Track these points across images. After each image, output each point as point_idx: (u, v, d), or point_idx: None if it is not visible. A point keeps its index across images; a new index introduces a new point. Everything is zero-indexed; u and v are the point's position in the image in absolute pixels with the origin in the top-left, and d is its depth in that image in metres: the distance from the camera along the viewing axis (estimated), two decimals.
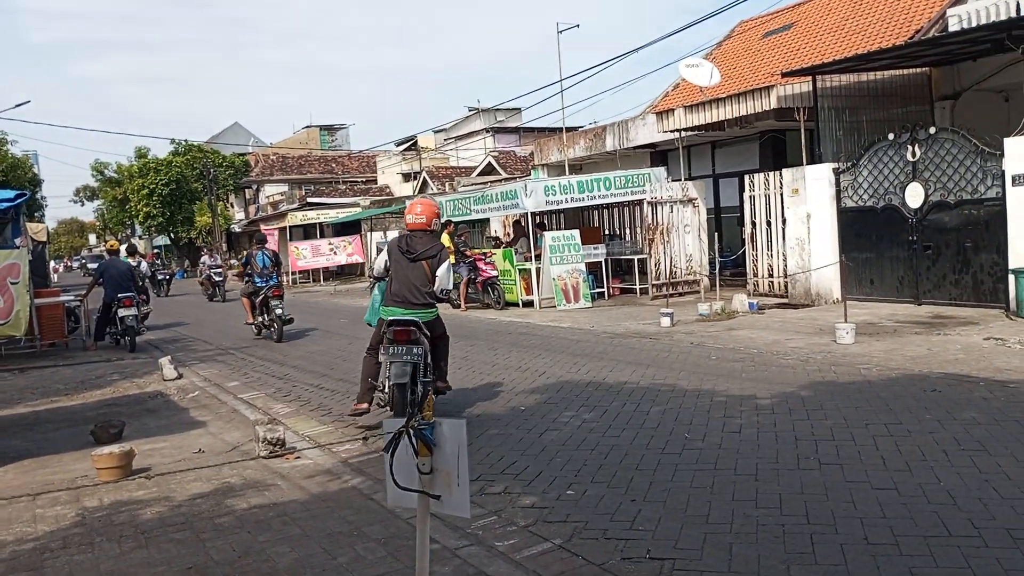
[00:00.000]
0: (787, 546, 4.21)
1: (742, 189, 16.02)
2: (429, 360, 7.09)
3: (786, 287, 14.55)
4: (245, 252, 17.28)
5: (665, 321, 12.52)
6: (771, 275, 15.14)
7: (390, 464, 3.14)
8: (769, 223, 15.00)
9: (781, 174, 14.61)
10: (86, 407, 9.56)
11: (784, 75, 14.71)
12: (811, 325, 11.52)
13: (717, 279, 15.37)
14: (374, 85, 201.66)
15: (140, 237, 65.86)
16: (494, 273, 17.55)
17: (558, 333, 12.94)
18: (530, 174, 25.93)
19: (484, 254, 18.18)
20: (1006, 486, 4.80)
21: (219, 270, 28.28)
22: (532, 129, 39.24)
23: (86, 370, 12.50)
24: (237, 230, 51.07)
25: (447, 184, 33.95)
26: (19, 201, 14.60)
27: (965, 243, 11.76)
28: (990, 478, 4.94)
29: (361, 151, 51.92)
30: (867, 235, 13.24)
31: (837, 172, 13.70)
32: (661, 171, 18.09)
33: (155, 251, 35.11)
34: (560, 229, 18.69)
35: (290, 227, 36.97)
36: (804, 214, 13.90)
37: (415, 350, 6.91)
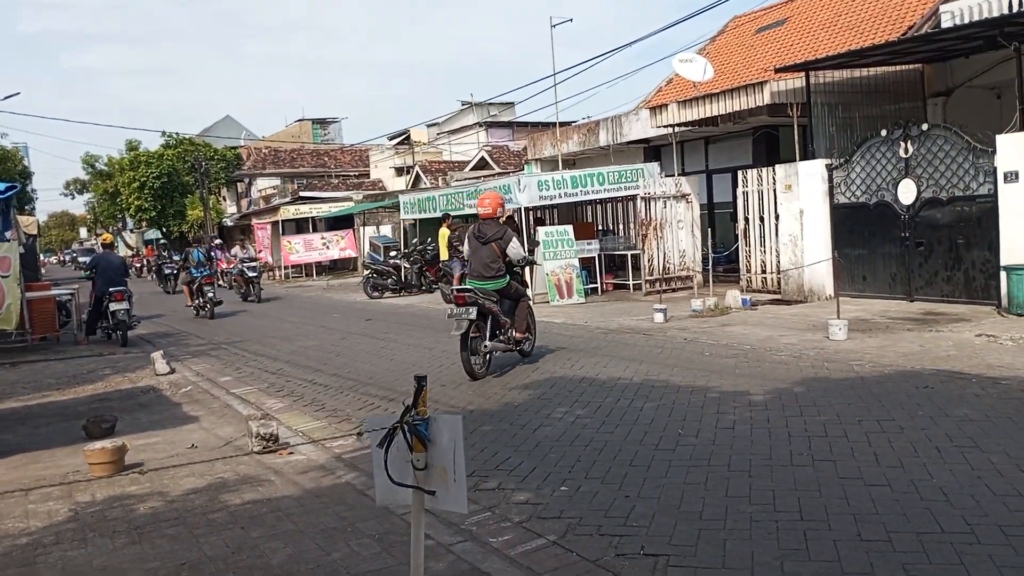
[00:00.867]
0: (781, 542, 4.23)
1: (735, 185, 16.04)
2: (501, 320, 9.21)
3: (779, 283, 14.58)
4: (185, 250, 25.32)
5: (658, 317, 12.53)
6: (764, 271, 15.17)
7: (384, 460, 3.13)
8: (762, 219, 15.03)
9: (774, 170, 14.63)
10: (78, 402, 9.53)
11: (777, 71, 14.72)
12: (804, 321, 11.55)
13: (710, 275, 15.39)
14: (367, 79, 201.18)
15: (131, 231, 65.58)
16: None
17: (551, 329, 12.94)
18: (523, 169, 25.92)
19: None
20: (998, 482, 4.82)
21: (254, 265, 23.48)
22: (525, 124, 39.21)
23: (78, 364, 12.45)
24: (229, 224, 50.87)
25: (440, 178, 33.89)
26: (9, 194, 14.44)
27: (957, 240, 11.80)
28: (982, 474, 4.97)
29: (354, 145, 51.72)
30: (860, 231, 13.28)
31: (830, 168, 13.72)
32: (654, 166, 18.10)
33: (161, 243, 32.91)
34: (553, 224, 18.68)
35: (282, 221, 36.84)
36: (797, 210, 13.93)
37: (470, 310, 8.89)
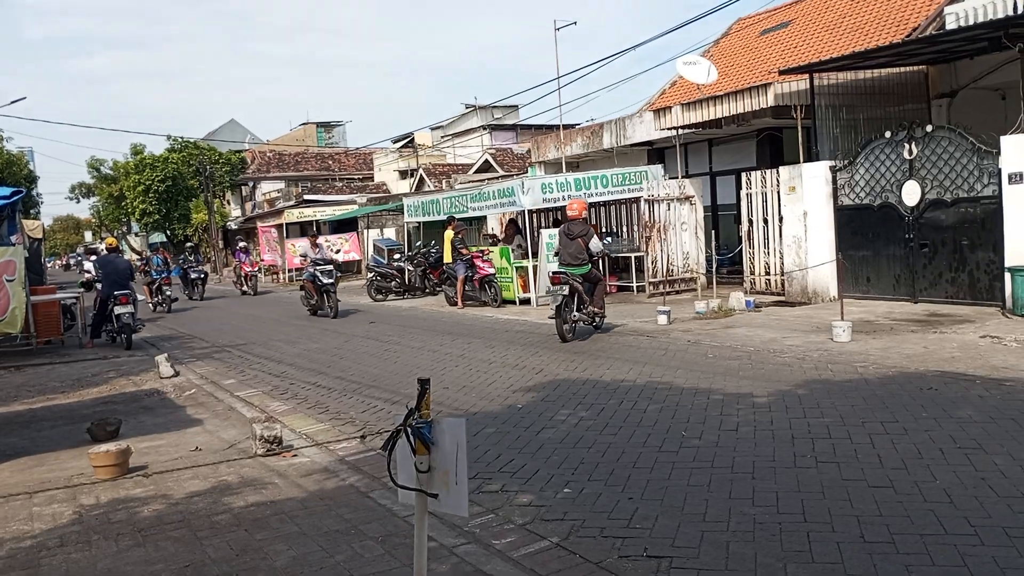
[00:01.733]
0: (784, 544, 4.22)
1: (739, 187, 16.02)
2: (584, 297, 11.61)
3: (783, 285, 14.56)
4: (145, 255, 25.01)
5: (662, 319, 12.52)
6: (768, 273, 15.16)
7: (388, 463, 3.14)
8: (766, 221, 15.01)
9: (778, 172, 14.62)
10: (82, 405, 9.55)
11: (781, 73, 14.71)
12: (808, 323, 11.53)
13: (714, 277, 15.37)
14: (371, 82, 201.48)
15: (136, 234, 65.71)
16: (491, 271, 17.55)
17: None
18: (527, 171, 25.92)
19: (481, 252, 18.17)
20: (1002, 484, 4.81)
21: (329, 269, 17.97)
22: (529, 126, 39.24)
23: (82, 368, 12.48)
24: (233, 227, 50.99)
25: (444, 181, 33.90)
26: (15, 198, 14.56)
27: (961, 241, 11.78)
28: (986, 476, 4.96)
29: (358, 148, 51.86)
30: (864, 233, 13.26)
31: (834, 170, 13.71)
32: (658, 169, 18.10)
33: (188, 245, 31.78)
34: (557, 227, 18.68)
35: (287, 224, 36.91)
36: (801, 212, 13.92)
37: (564, 288, 11.42)
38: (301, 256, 17.20)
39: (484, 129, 41.61)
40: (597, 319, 11.89)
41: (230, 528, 4.98)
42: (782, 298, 14.35)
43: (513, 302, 17.15)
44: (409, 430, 3.11)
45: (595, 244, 11.70)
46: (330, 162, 52.08)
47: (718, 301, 13.50)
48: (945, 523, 4.31)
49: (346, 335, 14.51)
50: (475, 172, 33.88)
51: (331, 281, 17.62)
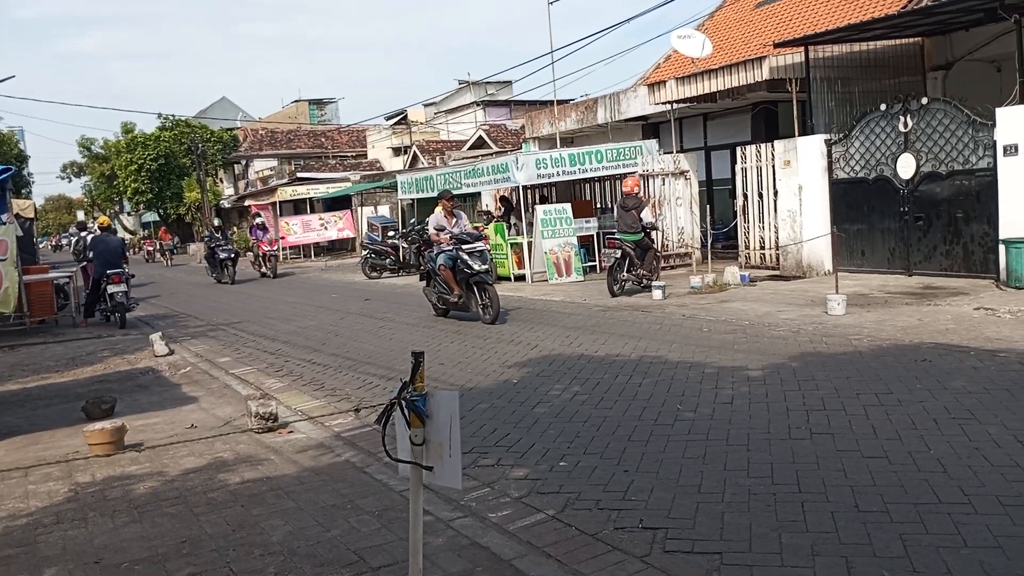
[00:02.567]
0: (778, 514, 4.24)
1: (734, 161, 15.97)
2: (635, 261, 13.12)
3: (778, 259, 14.56)
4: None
5: (657, 294, 12.53)
6: (763, 247, 15.14)
7: (382, 436, 3.13)
8: (761, 195, 14.97)
9: (773, 146, 14.57)
10: (77, 384, 9.53)
11: (776, 46, 14.61)
12: (802, 297, 11.54)
13: (709, 251, 15.35)
14: (364, 59, 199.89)
15: (128, 213, 65.40)
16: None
17: (550, 307, 12.94)
18: (521, 147, 25.81)
19: (476, 228, 18.11)
20: (996, 454, 4.83)
21: (480, 248, 11.62)
22: (523, 102, 38.96)
23: (76, 347, 12.45)
24: (227, 206, 50.75)
25: (438, 158, 33.75)
26: (4, 176, 14.42)
27: (956, 214, 11.77)
28: (980, 446, 4.98)
29: (351, 125, 51.49)
30: (859, 206, 13.24)
31: (829, 143, 13.66)
32: (653, 143, 18.02)
33: (215, 223, 27.13)
34: (552, 202, 18.63)
35: (280, 202, 36.74)
36: (796, 186, 13.89)
37: (616, 252, 13.15)
38: (436, 229, 11.73)
39: (477, 105, 41.34)
40: (644, 280, 13.21)
41: (226, 504, 4.98)
42: (777, 272, 14.36)
43: (508, 278, 17.13)
44: (403, 403, 3.10)
45: (646, 215, 13.32)
46: (323, 139, 51.76)
47: (713, 276, 13.51)
48: (939, 492, 4.34)
49: (340, 312, 14.49)
50: (469, 148, 33.71)
51: (484, 268, 11.48)
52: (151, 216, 55.27)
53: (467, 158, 28.66)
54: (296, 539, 4.36)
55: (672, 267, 16.53)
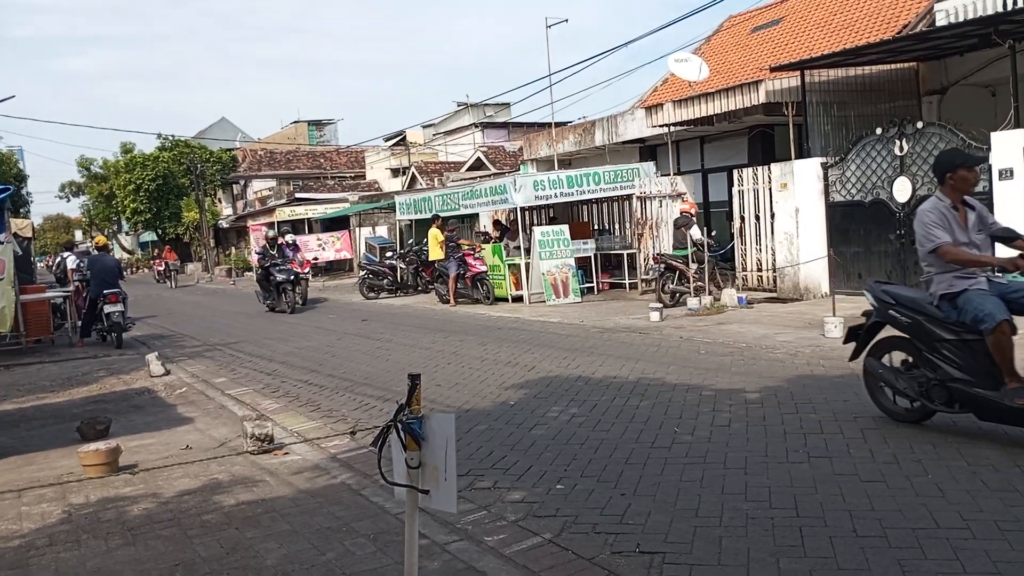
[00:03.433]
0: (776, 539, 4.22)
1: (731, 184, 16.03)
2: (684, 273, 14.07)
3: (775, 281, 14.58)
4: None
5: (654, 316, 12.53)
6: (760, 269, 15.17)
7: (378, 459, 3.12)
8: (758, 217, 15.02)
9: (769, 168, 14.63)
10: (72, 404, 9.49)
11: (772, 70, 14.72)
12: (800, 319, 11.55)
13: (706, 274, 15.37)
14: (362, 80, 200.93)
15: (127, 233, 65.42)
16: (483, 268, 17.53)
17: (547, 328, 12.94)
18: (519, 169, 25.90)
19: (473, 249, 18.16)
20: (993, 477, 4.82)
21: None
22: (521, 124, 39.17)
23: (72, 367, 12.41)
24: (225, 226, 50.83)
25: (436, 179, 33.85)
26: (3, 196, 14.44)
27: None
28: (978, 470, 4.96)
29: (349, 146, 51.72)
30: (855, 229, 13.28)
31: (825, 167, 13.73)
32: (650, 166, 18.10)
33: (278, 232, 23.87)
34: (549, 224, 18.68)
35: (278, 223, 36.81)
36: (792, 208, 13.93)
37: (660, 266, 14.34)
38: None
39: (476, 127, 41.54)
40: (708, 289, 14.06)
41: (220, 526, 4.95)
42: (774, 295, 14.37)
43: (506, 300, 17.13)
44: (399, 425, 3.09)
45: (694, 232, 14.38)
46: (322, 160, 51.95)
47: (710, 298, 13.51)
48: (937, 517, 4.32)
49: (338, 333, 14.47)
50: (467, 170, 33.83)
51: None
52: (149, 236, 55.26)
53: (465, 179, 28.75)
54: (291, 562, 4.33)
55: None
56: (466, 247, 18.02)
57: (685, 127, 17.56)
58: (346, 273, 34.16)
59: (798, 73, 14.33)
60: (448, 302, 17.71)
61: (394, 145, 45.07)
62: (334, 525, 4.84)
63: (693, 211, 15.18)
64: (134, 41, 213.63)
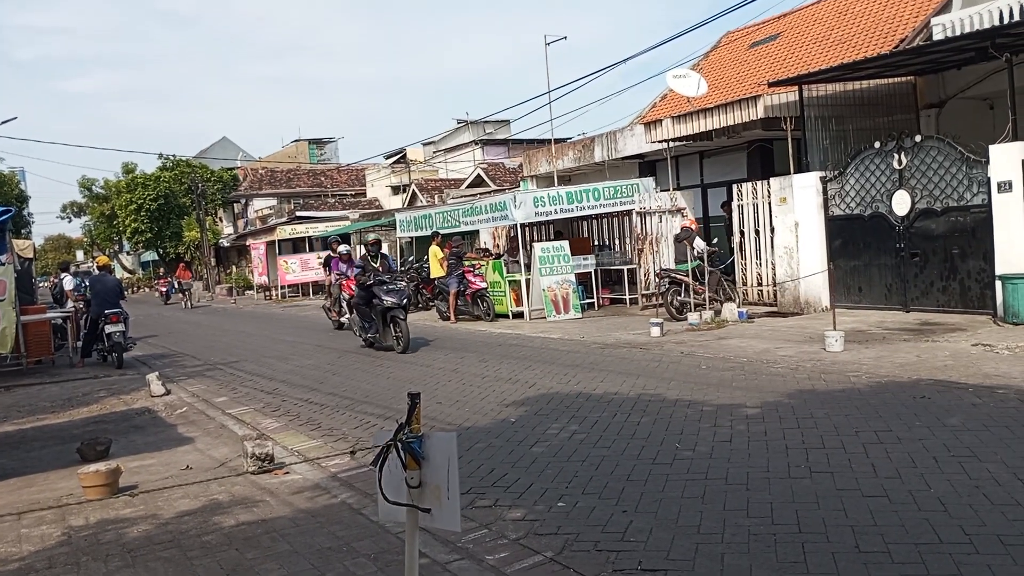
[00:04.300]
0: (779, 555, 4.20)
1: (730, 198, 16.07)
2: (689, 286, 14.17)
3: (775, 296, 14.59)
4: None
5: (655, 331, 12.52)
6: (760, 284, 15.18)
7: (379, 478, 3.11)
8: (757, 232, 15.05)
9: (769, 183, 14.67)
10: (73, 424, 9.47)
11: (771, 85, 14.79)
12: (800, 333, 11.54)
13: (706, 288, 15.37)
14: (363, 98, 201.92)
15: (128, 253, 65.50)
16: (483, 285, 17.53)
17: (548, 344, 12.92)
18: (519, 186, 25.97)
19: (473, 266, 18.17)
20: (996, 492, 4.80)
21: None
22: (521, 141, 39.34)
23: (73, 387, 12.39)
24: (226, 244, 50.91)
25: (436, 196, 33.95)
26: (4, 217, 14.47)
27: (952, 250, 11.82)
28: (980, 484, 4.94)
29: (350, 164, 51.88)
30: (855, 243, 13.30)
31: (824, 181, 13.76)
32: (649, 181, 18.14)
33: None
34: (549, 240, 18.70)
35: (279, 241, 36.86)
36: (792, 223, 13.96)
37: (666, 280, 14.53)
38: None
39: (476, 144, 41.71)
40: (715, 301, 14.33)
41: (221, 547, 4.92)
42: (774, 309, 14.37)
43: (506, 316, 17.13)
44: (399, 445, 3.08)
45: (698, 244, 14.43)
46: (322, 178, 52.08)
47: (711, 313, 13.51)
48: (940, 532, 4.30)
49: (338, 351, 14.46)
50: (467, 187, 33.93)
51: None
52: (150, 255, 55.33)
53: (465, 196, 28.84)
54: None
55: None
56: (474, 263, 18.04)
57: (684, 142, 17.62)
58: None
59: (796, 88, 14.40)
60: (448, 319, 17.71)
61: (394, 163, 45.22)
62: (335, 545, 4.82)
63: (694, 227, 15.35)
64: (136, 61, 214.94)
